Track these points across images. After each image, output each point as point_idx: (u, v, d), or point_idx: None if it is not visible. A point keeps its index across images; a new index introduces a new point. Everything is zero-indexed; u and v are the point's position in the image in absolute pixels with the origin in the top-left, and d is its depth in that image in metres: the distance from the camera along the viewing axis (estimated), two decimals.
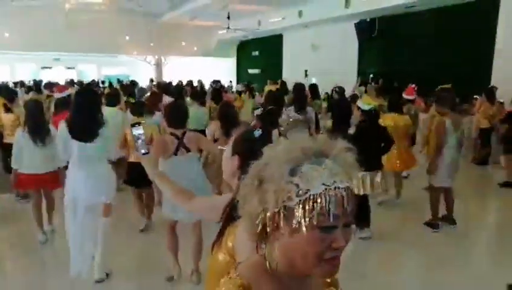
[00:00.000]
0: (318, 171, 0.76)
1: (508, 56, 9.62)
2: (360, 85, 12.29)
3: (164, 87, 7.00)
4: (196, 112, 5.76)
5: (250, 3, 15.28)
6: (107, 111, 4.38)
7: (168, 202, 3.14)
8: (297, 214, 0.75)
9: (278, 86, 10.38)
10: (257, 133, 1.38)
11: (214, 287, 1.28)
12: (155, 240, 4.16)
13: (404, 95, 6.74)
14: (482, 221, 5.28)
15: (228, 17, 15.13)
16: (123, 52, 20.41)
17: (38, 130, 3.95)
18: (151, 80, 17.24)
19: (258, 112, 4.24)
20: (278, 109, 4.45)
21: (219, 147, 3.53)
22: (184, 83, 13.59)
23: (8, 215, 5.13)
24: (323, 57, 15.98)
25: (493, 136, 7.90)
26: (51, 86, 9.10)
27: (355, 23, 13.98)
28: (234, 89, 15.73)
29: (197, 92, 6.13)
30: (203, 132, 4.99)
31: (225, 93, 10.44)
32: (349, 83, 12.15)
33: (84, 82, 14.01)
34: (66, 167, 3.61)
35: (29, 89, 11.07)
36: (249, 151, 1.34)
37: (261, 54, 21.70)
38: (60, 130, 3.29)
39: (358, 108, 4.27)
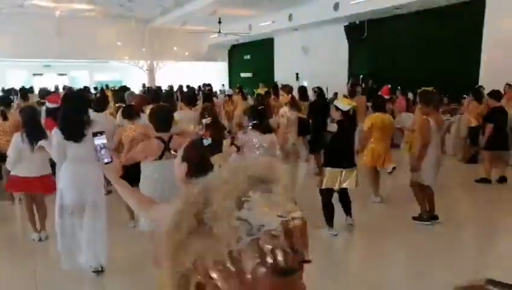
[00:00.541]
0: (268, 200, 0.61)
1: (495, 56, 9.82)
2: (351, 86, 12.42)
3: (153, 92, 7.05)
4: (187, 116, 5.81)
5: (240, 7, 15.39)
6: (94, 116, 4.41)
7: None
8: (249, 258, 0.58)
9: (266, 89, 10.57)
10: (206, 141, 1.42)
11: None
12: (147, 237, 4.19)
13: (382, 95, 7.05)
14: (466, 217, 5.39)
15: (219, 22, 15.23)
16: (115, 57, 20.40)
17: (36, 135, 4.03)
18: (144, 85, 17.25)
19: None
20: (267, 109, 4.60)
21: None
22: (176, 87, 13.62)
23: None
24: (314, 60, 16.13)
25: (482, 134, 8.04)
26: (45, 93, 9.10)
27: (344, 26, 14.15)
28: (226, 93, 15.80)
29: (188, 96, 6.22)
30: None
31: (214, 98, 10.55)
32: (340, 85, 12.33)
33: (74, 88, 13.96)
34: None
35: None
36: (197, 158, 1.40)
37: (252, 58, 21.82)
38: (53, 135, 3.39)
39: (337, 108, 4.37)
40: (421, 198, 4.84)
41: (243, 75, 21.88)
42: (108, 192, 4.36)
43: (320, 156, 7.13)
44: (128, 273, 3.78)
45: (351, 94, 8.62)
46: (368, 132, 5.39)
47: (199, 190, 0.65)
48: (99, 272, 3.59)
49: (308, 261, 0.61)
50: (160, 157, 3.19)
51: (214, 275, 0.59)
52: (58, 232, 3.51)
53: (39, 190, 4.29)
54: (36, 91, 12.11)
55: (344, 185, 4.38)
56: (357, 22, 13.96)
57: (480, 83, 9.85)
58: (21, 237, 4.61)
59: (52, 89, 13.85)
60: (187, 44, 21.16)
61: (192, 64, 22.54)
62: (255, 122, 3.88)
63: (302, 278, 0.62)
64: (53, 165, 3.99)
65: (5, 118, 5.36)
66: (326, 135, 4.47)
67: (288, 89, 6.77)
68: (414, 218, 4.91)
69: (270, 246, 0.57)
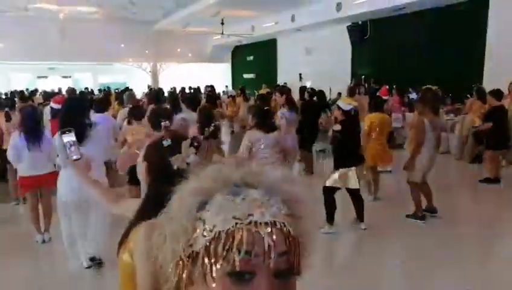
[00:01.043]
0: (232, 202, 0.59)
1: (499, 56, 9.76)
2: (353, 86, 12.41)
3: (154, 94, 7.11)
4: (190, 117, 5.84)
5: (243, 8, 15.42)
6: (96, 117, 4.49)
7: None
8: (203, 260, 0.57)
9: (268, 90, 10.66)
10: (166, 142, 1.45)
11: (127, 284, 1.37)
12: None
13: (380, 95, 7.16)
14: (465, 215, 5.38)
15: (222, 23, 15.27)
16: (118, 60, 20.51)
17: (32, 135, 4.06)
18: (149, 86, 17.36)
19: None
20: (271, 110, 4.61)
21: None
22: (178, 89, 13.69)
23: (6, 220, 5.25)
24: (317, 60, 16.12)
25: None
26: (49, 95, 9.19)
27: (347, 26, 14.13)
28: (229, 94, 15.89)
29: (189, 98, 6.29)
30: None
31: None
32: (344, 85, 12.29)
33: (76, 90, 14.06)
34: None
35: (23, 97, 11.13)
36: (156, 158, 1.45)
37: (255, 59, 21.84)
38: (56, 139, 3.43)
39: (339, 108, 4.40)
40: (417, 196, 4.88)
41: (246, 76, 21.91)
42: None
43: (312, 155, 7.18)
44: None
45: (350, 93, 8.69)
46: (367, 131, 5.45)
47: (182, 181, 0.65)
48: (99, 263, 3.67)
49: (287, 272, 0.58)
50: None
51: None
52: (64, 232, 3.59)
53: (49, 184, 4.21)
54: (38, 94, 12.18)
55: (353, 185, 4.39)
56: (360, 22, 13.94)
57: (483, 82, 9.80)
58: (25, 238, 4.62)
59: (56, 91, 13.94)
60: (190, 46, 21.24)
61: (195, 66, 22.61)
62: (257, 121, 3.91)
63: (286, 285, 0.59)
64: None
65: (9, 119, 5.43)
66: (325, 136, 4.44)
67: (282, 90, 6.77)
68: (408, 216, 4.95)
69: (220, 249, 0.55)
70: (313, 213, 0.62)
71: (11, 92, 12.34)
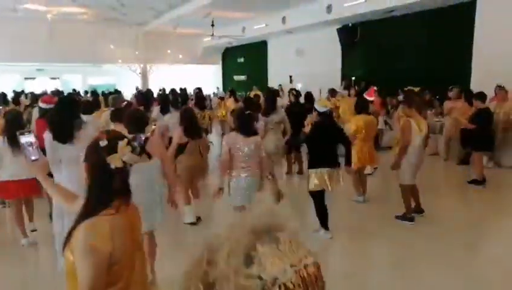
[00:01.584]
0: (279, 251, 0.61)
1: (486, 58, 9.90)
2: (344, 88, 12.48)
3: (142, 96, 7.13)
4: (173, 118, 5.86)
5: (233, 10, 15.41)
6: (83, 118, 4.44)
7: None
8: None
9: (255, 93, 10.86)
10: (102, 143, 1.48)
11: (70, 282, 1.43)
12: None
13: (366, 97, 7.26)
14: (452, 216, 5.44)
15: (212, 25, 15.22)
16: (108, 61, 20.30)
17: (16, 139, 3.99)
18: (137, 89, 17.23)
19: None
20: (255, 113, 4.72)
21: None
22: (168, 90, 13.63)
23: None
24: (308, 62, 16.18)
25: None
26: (36, 97, 9.12)
27: (337, 29, 14.21)
28: (218, 95, 15.97)
29: (176, 100, 6.35)
30: None
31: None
32: (334, 87, 12.35)
33: (62, 91, 13.93)
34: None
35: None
36: (93, 159, 1.50)
37: (246, 61, 21.84)
38: (45, 138, 3.50)
39: (315, 109, 4.48)
40: (407, 198, 4.94)
41: (236, 78, 21.89)
42: None
43: (301, 155, 7.23)
44: None
45: (332, 94, 9.15)
46: (353, 133, 5.50)
47: (201, 252, 0.65)
48: None
49: None
50: None
51: None
52: (56, 232, 3.59)
53: (31, 192, 4.28)
54: (23, 96, 12.00)
55: (323, 187, 4.41)
56: (350, 25, 14.03)
57: (471, 85, 9.93)
58: (10, 242, 4.58)
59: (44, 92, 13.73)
60: (180, 47, 21.13)
61: (186, 68, 22.52)
62: (239, 124, 3.96)
63: None
64: None
65: None
66: (300, 136, 4.50)
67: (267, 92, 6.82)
68: (397, 217, 5.01)
69: None
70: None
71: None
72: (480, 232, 4.91)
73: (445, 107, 8.60)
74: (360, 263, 4.13)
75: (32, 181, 4.12)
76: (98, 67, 21.99)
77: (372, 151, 5.77)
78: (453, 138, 8.22)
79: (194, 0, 14.01)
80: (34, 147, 1.85)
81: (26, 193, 4.30)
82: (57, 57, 18.24)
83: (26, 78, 21.34)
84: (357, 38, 14.07)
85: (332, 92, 9.41)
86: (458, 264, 3.97)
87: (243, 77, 21.46)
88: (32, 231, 4.60)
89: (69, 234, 1.45)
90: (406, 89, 7.14)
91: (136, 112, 3.64)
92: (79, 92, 15.38)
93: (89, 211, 1.46)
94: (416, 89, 7.25)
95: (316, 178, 4.37)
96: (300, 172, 7.28)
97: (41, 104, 5.02)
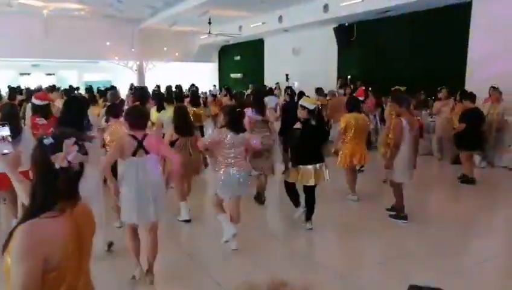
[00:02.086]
0: None
1: (480, 59, 9.97)
2: (340, 87, 12.52)
3: (140, 93, 7.16)
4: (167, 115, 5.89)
5: (230, 8, 15.40)
6: None
7: (124, 207, 3.33)
8: None
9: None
10: (47, 141, 1.44)
11: (7, 285, 1.37)
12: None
13: (356, 96, 7.39)
14: (441, 214, 5.50)
15: (209, 23, 15.22)
16: (104, 57, 20.24)
17: (13, 131, 4.00)
18: (131, 86, 17.19)
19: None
20: (243, 111, 4.74)
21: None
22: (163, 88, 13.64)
23: None
24: (304, 61, 16.20)
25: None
26: (30, 92, 9.09)
27: (334, 28, 14.24)
28: (212, 93, 16.05)
29: (171, 97, 6.38)
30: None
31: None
32: (330, 86, 12.40)
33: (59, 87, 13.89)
34: None
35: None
36: (39, 157, 1.44)
37: (242, 59, 21.83)
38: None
39: (304, 107, 4.53)
40: (399, 195, 5.00)
41: (233, 76, 21.88)
42: None
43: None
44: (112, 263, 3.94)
45: (318, 93, 9.57)
46: (343, 132, 5.61)
47: None
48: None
49: None
50: (133, 155, 3.26)
51: None
52: None
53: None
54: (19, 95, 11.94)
55: (312, 182, 4.57)
56: (346, 24, 14.06)
57: (466, 85, 9.99)
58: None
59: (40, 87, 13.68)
60: (177, 45, 21.09)
61: (182, 65, 22.49)
62: (228, 121, 4.02)
63: None
64: None
65: None
66: (293, 135, 4.61)
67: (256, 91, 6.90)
68: (390, 216, 5.08)
69: None
70: None
71: None
72: (471, 231, 4.98)
73: (434, 108, 8.69)
74: (351, 262, 4.16)
75: (25, 173, 4.11)
76: (94, 63, 21.91)
77: (363, 151, 5.78)
78: (445, 138, 8.29)
79: None
80: (7, 140, 1.84)
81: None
82: (53, 53, 18.14)
83: (21, 74, 21.24)
84: (354, 37, 14.11)
85: (319, 91, 9.68)
86: (448, 262, 4.02)
87: (239, 75, 21.46)
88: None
89: (10, 235, 1.38)
90: (392, 88, 7.27)
91: (136, 108, 3.65)
92: (78, 87, 15.29)
93: (31, 212, 1.40)
94: (403, 89, 7.35)
95: (300, 173, 4.55)
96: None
97: (34, 101, 4.99)
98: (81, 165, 1.49)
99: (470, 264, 4.02)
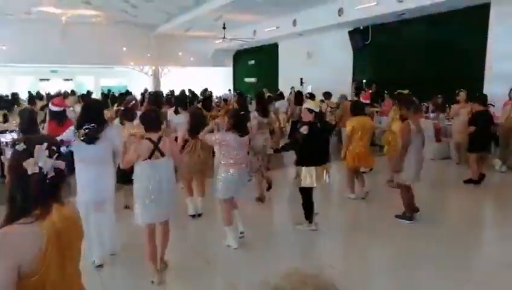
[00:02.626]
0: None
1: (499, 62, 9.76)
2: (354, 91, 12.44)
3: (154, 97, 7.27)
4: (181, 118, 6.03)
5: (245, 13, 15.46)
6: None
7: (141, 208, 3.41)
8: None
9: (270, 94, 11.08)
10: (19, 147, 1.43)
11: None
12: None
13: (362, 100, 7.36)
14: (453, 218, 5.46)
15: (224, 27, 15.30)
16: (120, 63, 20.56)
17: (29, 133, 4.21)
18: (145, 90, 17.49)
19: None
20: (248, 114, 5.05)
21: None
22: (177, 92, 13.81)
23: None
24: (319, 65, 16.13)
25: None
26: (51, 97, 9.37)
27: (348, 31, 14.16)
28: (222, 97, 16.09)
29: (183, 101, 6.54)
30: None
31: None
32: (345, 90, 12.32)
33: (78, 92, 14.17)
34: None
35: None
36: (13, 163, 1.43)
37: (257, 63, 21.87)
38: (68, 133, 3.71)
39: (310, 110, 4.63)
40: (405, 197, 5.02)
41: (247, 80, 21.94)
42: None
43: None
44: (123, 265, 4.00)
45: (326, 97, 9.71)
46: (349, 135, 5.77)
47: None
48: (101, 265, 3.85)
49: None
50: (149, 157, 3.37)
51: None
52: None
53: None
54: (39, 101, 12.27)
55: (313, 184, 4.61)
56: (361, 28, 13.96)
57: (484, 88, 9.79)
58: None
59: (61, 93, 13.98)
60: (192, 49, 21.29)
61: (197, 70, 22.68)
62: (233, 124, 4.14)
63: None
64: None
65: (6, 121, 5.56)
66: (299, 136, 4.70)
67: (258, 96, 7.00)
68: (397, 216, 5.07)
69: None
70: None
71: (12, 94, 12.38)
72: (481, 234, 4.92)
73: (452, 111, 8.52)
74: (356, 262, 4.10)
75: None
76: (110, 69, 22.27)
77: (367, 153, 5.91)
78: (463, 141, 8.12)
79: (206, 3, 14.09)
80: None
81: None
82: (71, 59, 18.53)
83: (41, 80, 21.73)
84: (369, 41, 13.99)
85: (327, 95, 9.90)
86: (456, 264, 3.93)
87: (253, 80, 21.51)
88: None
89: None
90: (395, 92, 7.33)
91: (152, 111, 3.75)
92: (91, 93, 15.58)
93: (8, 218, 1.39)
94: (405, 92, 7.47)
95: (306, 175, 4.58)
96: None
97: (51, 107, 5.13)
98: (60, 170, 1.47)
99: (483, 271, 3.90)
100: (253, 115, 5.84)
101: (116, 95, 11.13)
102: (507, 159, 7.77)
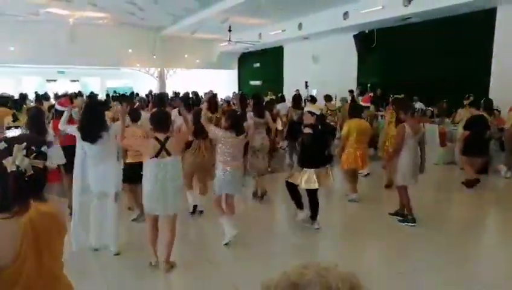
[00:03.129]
0: None
1: (506, 67, 9.72)
2: (359, 95, 12.42)
3: (158, 98, 7.44)
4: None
5: (250, 16, 15.50)
6: None
7: (147, 199, 3.64)
8: None
9: (271, 97, 11.19)
10: (0, 145, 1.48)
11: None
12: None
13: (362, 103, 7.70)
14: (452, 221, 5.45)
15: (229, 30, 15.34)
16: (126, 65, 20.68)
17: (38, 132, 4.34)
18: (150, 92, 17.63)
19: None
20: (244, 114, 5.26)
21: None
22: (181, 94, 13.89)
23: None
24: (324, 68, 16.13)
25: (492, 145, 7.97)
26: (59, 97, 9.53)
27: (354, 35, 14.15)
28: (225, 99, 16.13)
29: (189, 103, 6.74)
30: None
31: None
32: (348, 93, 12.29)
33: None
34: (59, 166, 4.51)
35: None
36: None
37: (262, 66, 21.91)
38: (71, 131, 4.10)
39: (312, 113, 4.75)
40: (403, 199, 5.09)
41: (252, 83, 21.97)
42: None
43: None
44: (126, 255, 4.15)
45: (327, 99, 9.83)
46: (345, 137, 5.88)
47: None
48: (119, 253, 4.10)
49: None
50: (156, 156, 3.53)
51: None
52: (75, 209, 3.99)
53: (50, 180, 4.56)
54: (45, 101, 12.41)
55: (315, 186, 4.69)
56: (366, 31, 13.95)
57: (490, 92, 9.75)
58: None
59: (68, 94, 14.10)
60: (197, 52, 21.37)
61: (202, 72, 22.74)
62: (230, 124, 4.33)
63: None
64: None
65: (16, 120, 5.68)
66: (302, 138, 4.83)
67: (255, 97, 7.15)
68: (399, 221, 5.11)
69: None
70: None
71: (20, 94, 12.49)
72: (483, 239, 4.92)
73: (458, 115, 8.47)
74: (358, 263, 4.11)
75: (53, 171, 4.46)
76: (116, 70, 22.40)
77: (364, 155, 6.02)
78: None
79: (212, 6, 14.15)
80: None
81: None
82: (78, 60, 18.66)
83: (48, 80, 21.91)
84: (374, 44, 13.97)
85: (328, 98, 10.14)
86: (455, 267, 3.93)
87: (258, 82, 21.53)
88: None
89: None
90: (392, 98, 7.47)
91: (161, 112, 3.88)
92: (97, 95, 15.72)
93: None
94: (401, 96, 7.67)
95: (308, 177, 4.67)
96: None
97: (56, 106, 5.28)
98: (40, 169, 1.51)
99: (475, 267, 3.88)
100: (249, 115, 6.10)
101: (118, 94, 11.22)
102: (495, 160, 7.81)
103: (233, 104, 11.25)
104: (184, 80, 21.67)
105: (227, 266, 4.03)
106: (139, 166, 4.35)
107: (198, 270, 3.86)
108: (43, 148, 1.54)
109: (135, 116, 5.14)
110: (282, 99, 11.81)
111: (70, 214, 4.80)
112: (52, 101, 10.83)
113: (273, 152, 7.70)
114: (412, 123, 4.99)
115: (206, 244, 4.61)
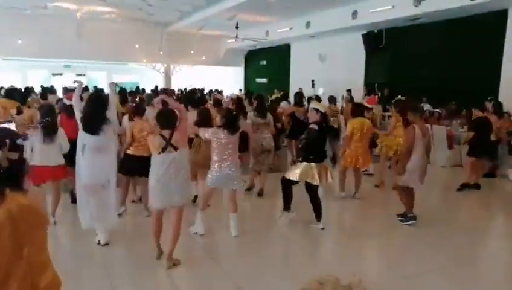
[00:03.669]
0: None
1: None
2: (366, 94, 12.34)
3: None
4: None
5: (258, 13, 15.44)
6: None
7: (151, 195, 3.75)
8: None
9: (276, 96, 11.15)
10: None
11: None
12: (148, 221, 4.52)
13: (366, 104, 7.79)
14: (457, 223, 5.43)
15: (237, 27, 15.28)
16: (132, 60, 20.70)
17: (49, 129, 4.53)
18: (156, 87, 17.62)
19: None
20: (240, 114, 5.26)
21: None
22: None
23: None
24: (331, 67, 16.05)
25: (500, 148, 7.87)
26: (67, 91, 9.57)
27: (362, 34, 14.05)
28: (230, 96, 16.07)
29: (194, 99, 6.73)
30: None
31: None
32: (357, 93, 12.24)
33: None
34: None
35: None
36: None
37: (268, 64, 21.85)
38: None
39: (318, 111, 4.85)
40: (405, 200, 5.10)
41: (258, 80, 21.92)
42: None
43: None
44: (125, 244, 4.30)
45: (330, 100, 9.86)
46: (349, 136, 5.99)
47: None
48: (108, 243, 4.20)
49: None
50: (163, 151, 3.63)
51: None
52: (80, 193, 4.20)
53: (52, 178, 4.65)
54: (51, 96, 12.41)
55: (316, 182, 4.72)
56: (375, 31, 13.84)
57: (500, 94, 9.64)
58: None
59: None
60: (204, 48, 21.33)
61: (208, 69, 22.71)
62: (225, 122, 4.41)
63: None
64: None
65: (20, 112, 5.79)
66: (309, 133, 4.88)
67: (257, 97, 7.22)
68: (402, 221, 5.12)
69: None
70: None
71: (26, 88, 12.54)
72: (478, 235, 4.92)
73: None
74: (360, 264, 4.08)
75: (58, 168, 4.60)
76: (122, 65, 22.43)
77: (366, 154, 6.12)
78: None
79: (220, 2, 14.09)
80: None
81: (53, 177, 4.64)
82: (84, 54, 18.70)
83: (53, 74, 21.97)
84: (382, 44, 13.85)
85: (331, 99, 10.17)
86: (461, 271, 3.87)
87: (264, 80, 21.47)
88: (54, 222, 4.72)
89: None
90: (396, 100, 7.51)
91: (165, 111, 3.92)
92: (102, 89, 15.75)
93: None
94: (403, 98, 7.77)
95: (300, 171, 4.73)
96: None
97: (65, 100, 5.38)
98: (15, 161, 1.54)
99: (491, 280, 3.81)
100: (249, 115, 6.18)
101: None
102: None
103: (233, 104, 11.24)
104: (190, 76, 21.66)
105: (230, 265, 4.01)
106: (138, 160, 4.75)
107: (200, 267, 3.87)
108: (18, 141, 1.58)
109: (141, 111, 5.17)
110: (286, 97, 11.72)
111: (72, 201, 5.04)
112: (60, 95, 10.86)
113: (276, 151, 7.70)
114: (420, 125, 5.00)
115: (208, 240, 4.56)
